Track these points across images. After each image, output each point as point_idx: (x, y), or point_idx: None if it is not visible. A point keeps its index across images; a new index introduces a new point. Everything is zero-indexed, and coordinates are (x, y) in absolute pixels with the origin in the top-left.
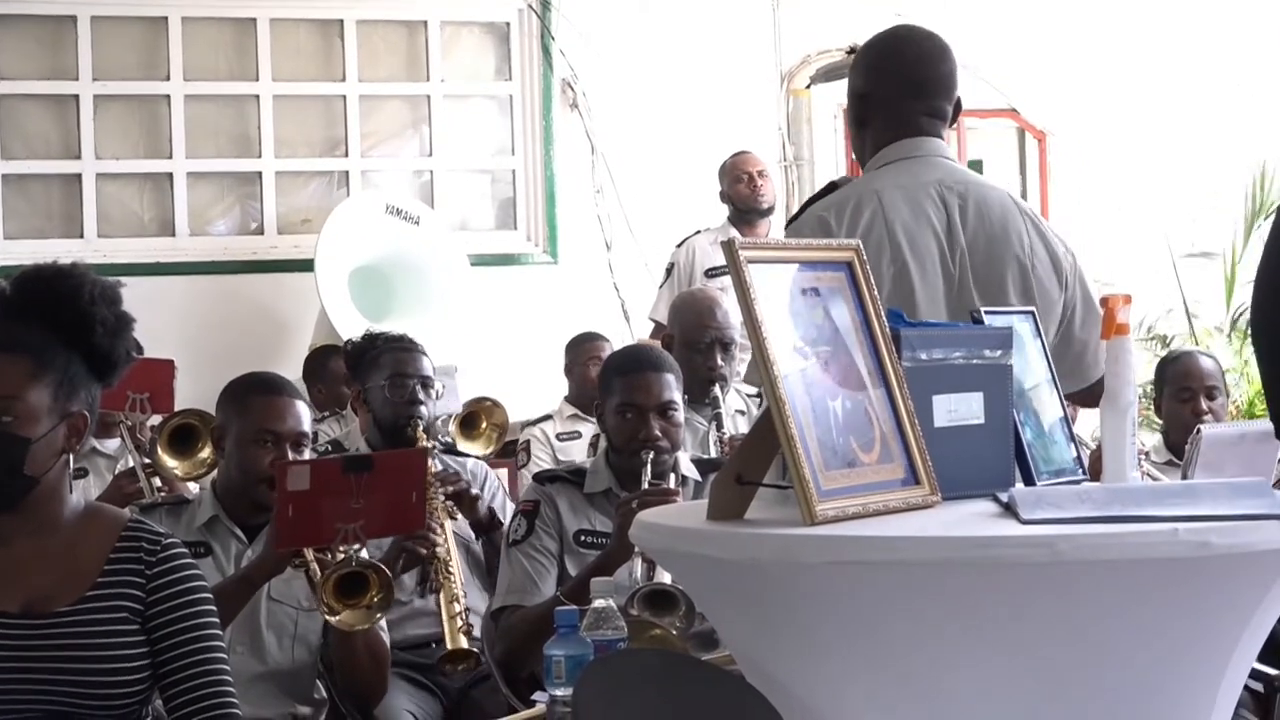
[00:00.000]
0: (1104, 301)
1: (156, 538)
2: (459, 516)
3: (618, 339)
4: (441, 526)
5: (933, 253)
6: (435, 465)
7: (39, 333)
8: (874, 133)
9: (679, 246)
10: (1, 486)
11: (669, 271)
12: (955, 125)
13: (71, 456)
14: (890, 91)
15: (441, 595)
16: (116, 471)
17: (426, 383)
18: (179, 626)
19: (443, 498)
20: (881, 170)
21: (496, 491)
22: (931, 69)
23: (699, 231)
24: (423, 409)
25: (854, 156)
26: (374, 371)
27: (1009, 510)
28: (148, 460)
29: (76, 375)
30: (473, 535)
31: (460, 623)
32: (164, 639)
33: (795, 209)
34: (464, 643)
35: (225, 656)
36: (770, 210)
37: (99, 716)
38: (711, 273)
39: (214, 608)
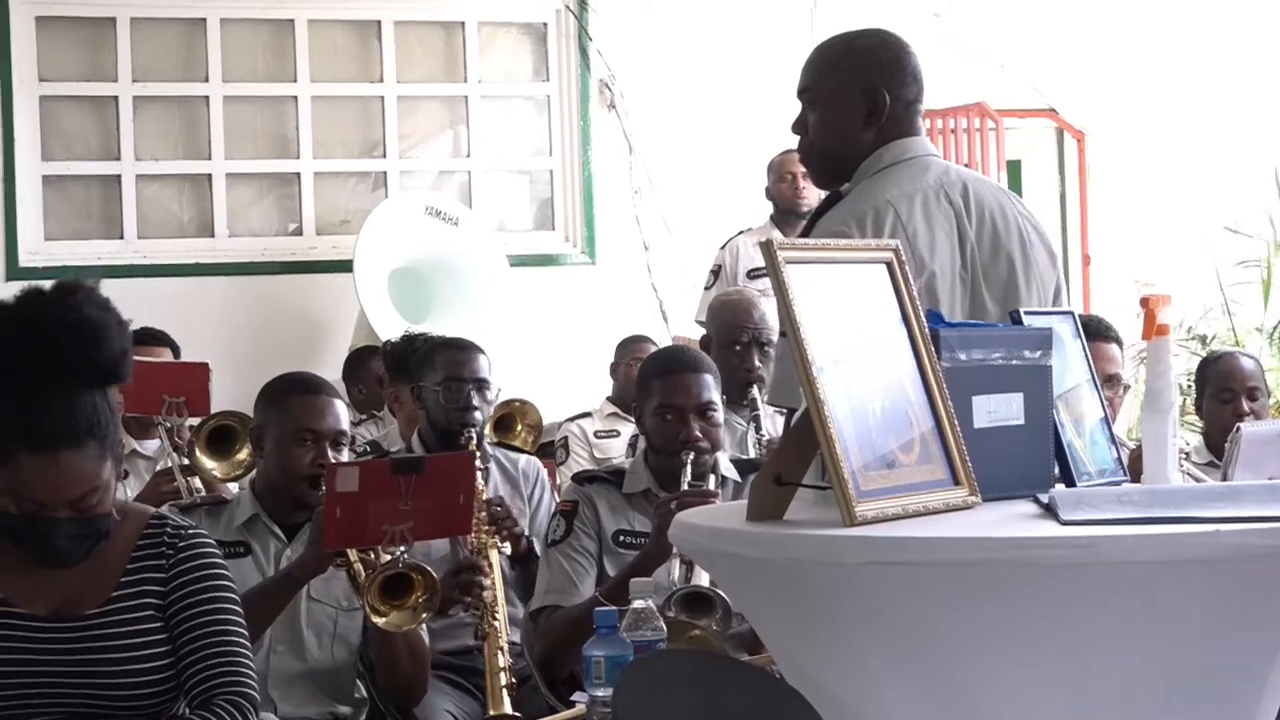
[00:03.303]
0: (1144, 302)
1: (179, 529)
2: (507, 548)
3: (656, 340)
4: (490, 565)
5: (950, 258)
6: (486, 489)
7: (85, 407)
8: (885, 131)
9: (722, 248)
10: (85, 551)
11: (715, 274)
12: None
13: None
14: (909, 93)
15: (486, 646)
16: (154, 472)
17: (482, 385)
18: (195, 610)
19: (492, 531)
20: (883, 175)
21: (545, 492)
22: (919, 69)
23: (741, 232)
24: (477, 415)
25: (827, 154)
26: (427, 371)
27: (1049, 511)
28: (186, 462)
29: (106, 412)
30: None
31: (504, 680)
32: (181, 622)
33: None
34: (507, 707)
35: (244, 639)
36: (810, 212)
37: (127, 716)
38: (753, 273)
39: (234, 594)
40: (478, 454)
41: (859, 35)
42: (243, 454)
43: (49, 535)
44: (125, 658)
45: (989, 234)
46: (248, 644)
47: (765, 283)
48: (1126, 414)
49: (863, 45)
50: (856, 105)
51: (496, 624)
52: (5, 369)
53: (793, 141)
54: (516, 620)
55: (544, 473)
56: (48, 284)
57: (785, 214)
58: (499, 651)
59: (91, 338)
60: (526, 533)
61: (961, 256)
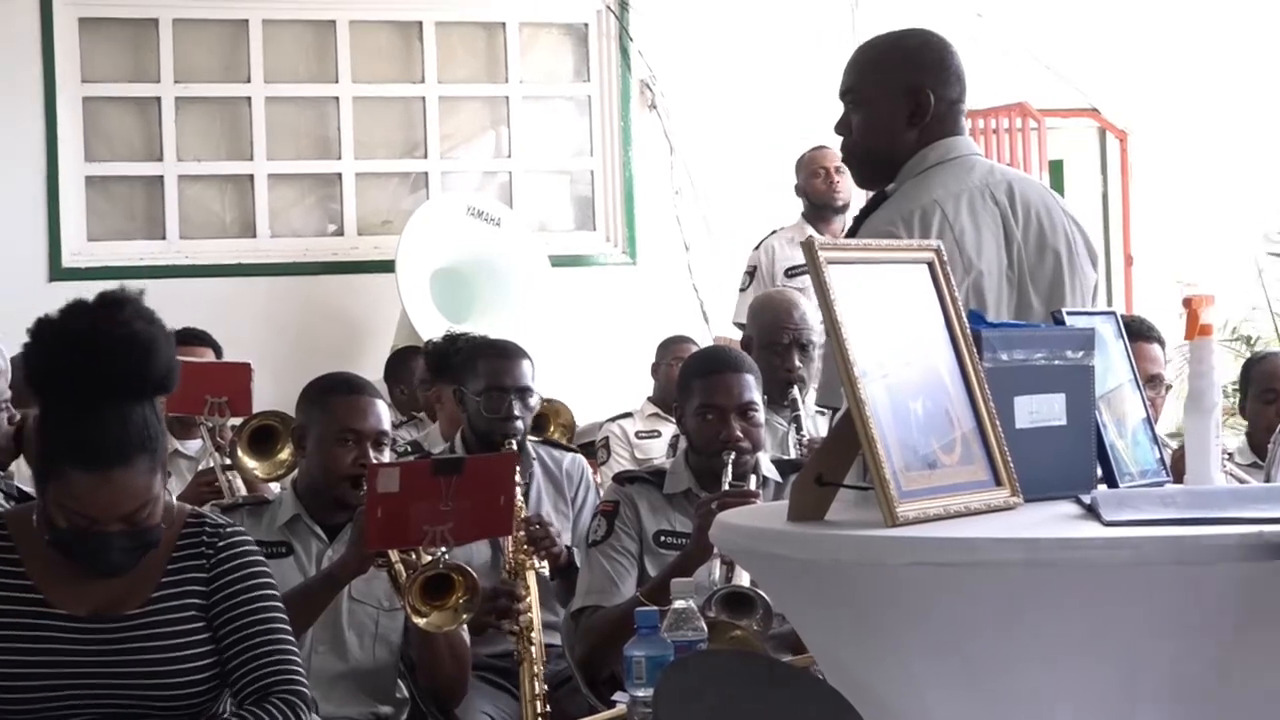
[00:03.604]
0: (1187, 302)
1: (217, 528)
2: (545, 568)
3: (697, 340)
4: (528, 587)
5: (997, 259)
6: (527, 507)
7: (135, 424)
8: (928, 131)
9: (756, 249)
10: (137, 559)
11: (750, 275)
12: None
13: None
14: (953, 93)
15: (522, 670)
16: (196, 472)
17: (525, 393)
18: (240, 608)
19: (530, 551)
20: (928, 175)
21: (590, 492)
22: (961, 68)
23: (774, 231)
24: (519, 424)
25: (870, 154)
26: (470, 377)
27: (1091, 512)
28: (228, 462)
29: (155, 424)
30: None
31: (539, 707)
32: (226, 621)
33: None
34: None
35: (291, 635)
36: (845, 207)
37: (169, 716)
38: (791, 272)
39: (277, 592)
40: (519, 465)
41: (902, 35)
42: (284, 454)
43: (102, 550)
44: (167, 657)
45: (1035, 234)
46: (294, 641)
47: (804, 280)
48: (1169, 414)
49: (906, 45)
50: (900, 105)
51: (533, 650)
52: (56, 386)
53: (823, 138)
54: (556, 626)
55: (589, 472)
56: (91, 295)
57: (820, 209)
58: (534, 678)
59: (141, 353)
60: (568, 543)
61: (1008, 256)
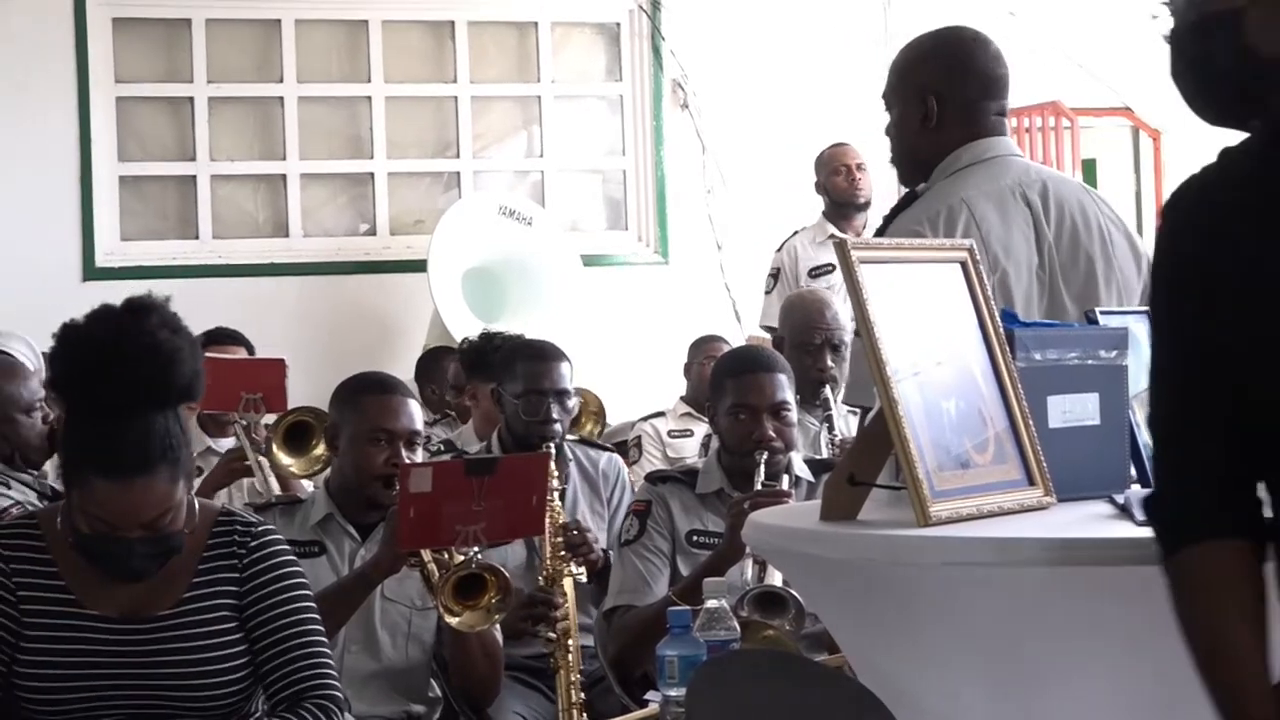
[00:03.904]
0: None
1: (248, 527)
2: (582, 575)
3: (729, 340)
4: (564, 595)
5: (1026, 257)
6: (564, 512)
7: (158, 431)
8: (945, 133)
9: (779, 251)
10: (159, 565)
11: (774, 277)
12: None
13: None
14: (970, 92)
15: (559, 679)
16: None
17: (563, 396)
18: (275, 610)
19: (566, 558)
20: (960, 175)
21: (626, 492)
22: (1002, 69)
23: (796, 232)
24: (556, 427)
25: (900, 156)
26: (508, 378)
27: (1124, 512)
28: (262, 459)
29: (178, 433)
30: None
31: (576, 716)
32: (261, 623)
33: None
34: None
35: (324, 638)
36: (867, 205)
37: (202, 716)
38: (815, 272)
39: (310, 592)
40: (554, 470)
41: (924, 36)
42: (319, 450)
43: (123, 556)
44: (199, 658)
45: (1069, 235)
46: (328, 643)
47: (828, 280)
48: None
49: (921, 47)
50: (913, 108)
51: (569, 658)
52: (80, 392)
53: (852, 136)
54: (589, 627)
55: (625, 471)
56: (124, 295)
57: (842, 207)
58: (571, 686)
59: (165, 362)
60: (605, 547)
61: (1039, 256)
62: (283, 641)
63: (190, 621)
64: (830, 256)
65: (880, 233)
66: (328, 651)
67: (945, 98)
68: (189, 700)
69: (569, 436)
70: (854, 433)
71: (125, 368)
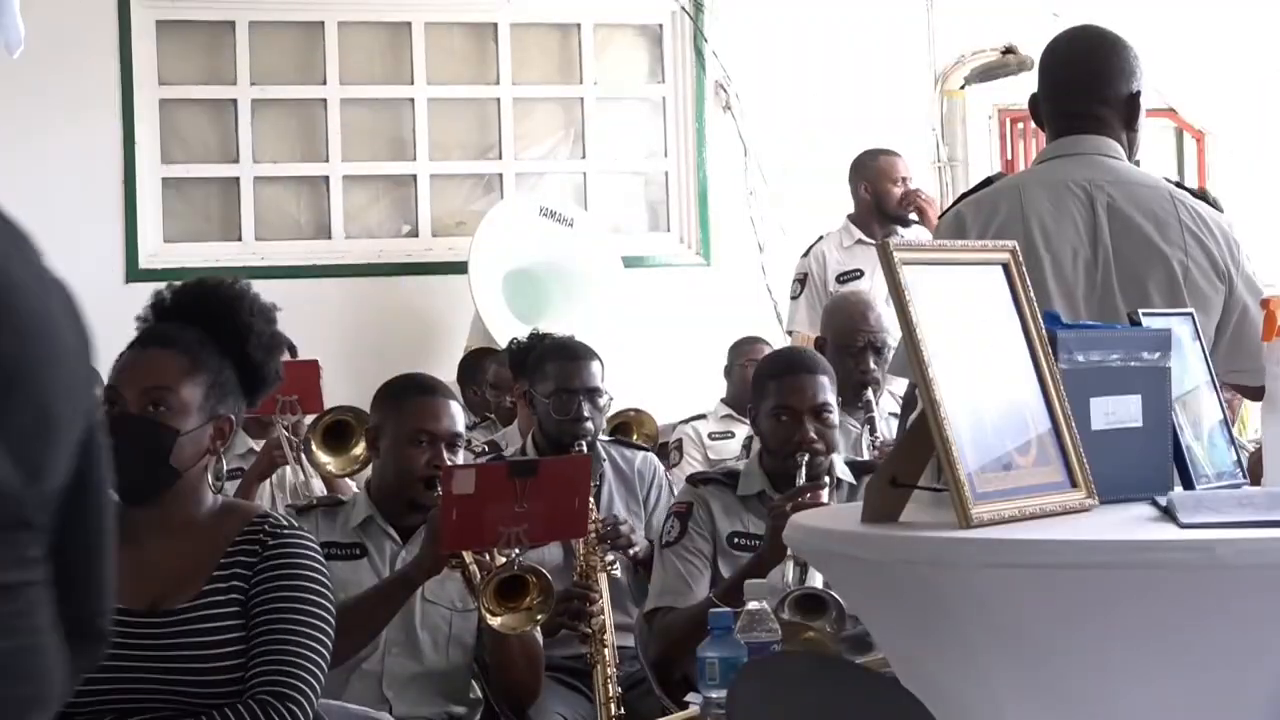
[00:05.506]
0: (1265, 303)
1: (277, 528)
2: (617, 571)
3: (770, 342)
4: (600, 591)
5: (1072, 249)
6: (598, 509)
7: (196, 335)
8: (1048, 134)
9: (805, 256)
10: (146, 475)
11: (802, 282)
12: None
13: (214, 460)
14: (1048, 92)
15: (596, 674)
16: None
17: (594, 394)
18: (268, 608)
19: (602, 552)
20: (1034, 167)
21: (663, 492)
22: (1076, 68)
23: (821, 238)
24: (588, 425)
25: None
26: (539, 379)
27: (1167, 514)
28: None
29: (228, 381)
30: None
31: (614, 710)
32: (255, 619)
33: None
34: None
35: (310, 640)
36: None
37: (211, 709)
38: (843, 278)
39: (318, 595)
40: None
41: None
42: (358, 449)
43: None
44: (205, 653)
45: (1130, 242)
46: (313, 644)
47: (856, 285)
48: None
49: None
50: (1032, 110)
51: (605, 652)
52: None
53: (898, 145)
54: (629, 628)
55: (661, 471)
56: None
57: (890, 218)
58: (608, 680)
59: (273, 337)
60: (645, 539)
61: (1093, 253)
62: (258, 639)
63: (204, 616)
64: (858, 262)
65: (943, 215)
66: (300, 650)
67: (1038, 100)
68: (193, 694)
69: (603, 436)
70: (895, 435)
71: (243, 302)
